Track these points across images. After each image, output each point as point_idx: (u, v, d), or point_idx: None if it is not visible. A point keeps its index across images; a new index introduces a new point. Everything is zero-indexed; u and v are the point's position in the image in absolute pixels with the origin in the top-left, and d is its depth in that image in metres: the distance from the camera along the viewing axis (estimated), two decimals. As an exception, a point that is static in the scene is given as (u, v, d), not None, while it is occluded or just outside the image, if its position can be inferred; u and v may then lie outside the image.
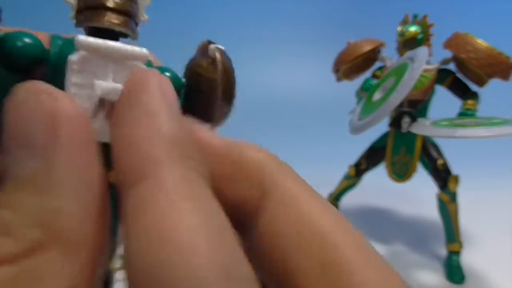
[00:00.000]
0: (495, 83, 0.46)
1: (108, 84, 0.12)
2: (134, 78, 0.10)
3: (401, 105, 0.46)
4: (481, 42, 0.44)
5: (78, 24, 0.14)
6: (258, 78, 1.16)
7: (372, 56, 0.52)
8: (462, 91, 0.48)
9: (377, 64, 0.53)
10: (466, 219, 0.48)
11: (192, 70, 0.15)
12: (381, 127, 0.49)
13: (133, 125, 0.09)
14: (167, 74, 0.15)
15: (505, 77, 0.44)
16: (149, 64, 0.14)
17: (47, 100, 0.09)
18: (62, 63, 0.12)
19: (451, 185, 0.46)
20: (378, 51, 0.52)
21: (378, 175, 0.54)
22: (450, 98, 0.49)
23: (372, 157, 0.54)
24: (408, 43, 0.48)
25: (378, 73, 0.53)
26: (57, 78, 0.12)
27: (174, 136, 0.09)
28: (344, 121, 0.47)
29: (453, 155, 0.50)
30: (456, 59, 0.47)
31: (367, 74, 0.54)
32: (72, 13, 0.14)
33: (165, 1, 1.21)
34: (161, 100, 0.09)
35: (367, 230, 0.55)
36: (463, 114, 0.45)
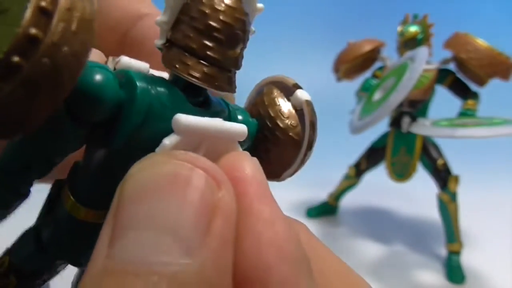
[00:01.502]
0: (495, 83, 0.46)
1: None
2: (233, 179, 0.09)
3: (401, 105, 0.46)
4: (481, 42, 0.44)
5: (165, 63, 0.11)
6: (257, 78, 1.15)
7: (372, 56, 0.52)
8: (462, 91, 0.48)
9: (377, 64, 0.53)
10: (466, 219, 0.48)
11: (268, 112, 0.13)
12: (381, 127, 0.49)
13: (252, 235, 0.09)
14: (240, 117, 0.13)
15: (505, 77, 0.44)
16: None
17: (209, 192, 0.08)
18: (140, 119, 0.10)
19: (451, 185, 0.46)
20: (378, 51, 0.52)
21: (378, 175, 0.54)
22: (450, 98, 0.49)
23: (372, 157, 0.54)
24: (408, 43, 0.48)
25: (378, 73, 0.53)
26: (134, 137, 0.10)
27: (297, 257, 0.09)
28: (344, 121, 0.47)
29: (453, 155, 0.50)
30: (456, 59, 0.47)
31: (367, 74, 0.54)
32: (159, 41, 0.12)
33: None
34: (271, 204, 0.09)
35: (367, 230, 0.55)
36: (463, 114, 0.45)
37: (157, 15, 0.17)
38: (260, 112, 0.13)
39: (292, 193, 0.67)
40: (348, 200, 0.60)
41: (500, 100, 0.69)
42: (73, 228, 0.12)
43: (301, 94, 0.13)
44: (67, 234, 0.12)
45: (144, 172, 0.08)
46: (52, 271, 0.13)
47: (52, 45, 0.08)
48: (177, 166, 0.08)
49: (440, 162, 0.48)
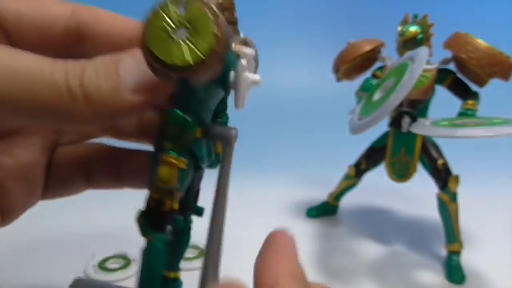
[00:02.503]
0: (495, 83, 0.46)
1: (250, 75, 0.19)
2: (278, 238, 0.18)
3: (401, 105, 0.46)
4: (481, 42, 0.44)
5: None
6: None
7: (372, 56, 0.52)
8: (462, 91, 0.48)
9: (377, 64, 0.53)
10: (466, 219, 0.48)
11: None
12: (381, 127, 0.49)
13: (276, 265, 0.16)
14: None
15: (505, 77, 0.44)
16: None
17: None
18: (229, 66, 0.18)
19: (451, 185, 0.46)
20: (378, 51, 0.52)
21: (378, 175, 0.54)
22: (450, 98, 0.49)
23: (372, 157, 0.54)
24: (408, 43, 0.48)
25: (378, 73, 0.52)
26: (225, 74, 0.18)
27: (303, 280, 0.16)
28: (344, 121, 0.47)
29: (453, 155, 0.50)
30: (456, 59, 0.46)
31: (367, 74, 0.54)
32: None
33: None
34: (293, 256, 0.17)
35: (367, 230, 0.55)
36: (463, 114, 0.45)
37: None
38: None
39: (292, 193, 0.67)
40: (348, 200, 0.60)
41: (500, 100, 0.69)
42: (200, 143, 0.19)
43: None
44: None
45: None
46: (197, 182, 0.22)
47: (225, 43, 0.16)
48: None
49: (440, 162, 0.48)
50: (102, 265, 0.43)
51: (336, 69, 0.54)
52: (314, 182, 0.70)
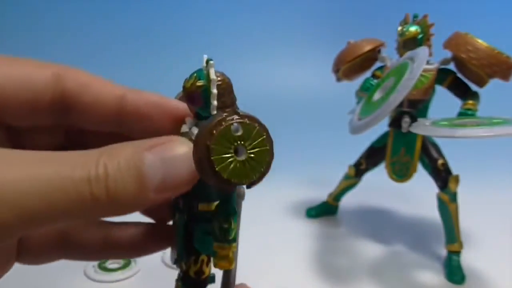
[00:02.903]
0: (495, 83, 0.46)
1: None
2: None
3: (401, 105, 0.46)
4: (481, 42, 0.44)
5: None
6: (256, 78, 1.16)
7: (372, 56, 0.52)
8: (462, 91, 0.48)
9: (377, 64, 0.53)
10: (466, 219, 0.48)
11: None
12: (381, 127, 0.49)
13: None
14: None
15: (505, 77, 0.44)
16: None
17: None
18: None
19: (451, 185, 0.46)
20: (378, 51, 0.52)
21: (378, 175, 0.54)
22: (450, 98, 0.49)
23: (372, 157, 0.54)
24: (408, 43, 0.48)
25: (378, 73, 0.52)
26: None
27: None
28: (344, 121, 0.47)
29: (453, 155, 0.50)
30: (456, 59, 0.46)
31: (367, 74, 0.54)
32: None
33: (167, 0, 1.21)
34: None
35: (367, 230, 0.55)
36: (463, 114, 0.45)
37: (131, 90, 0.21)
38: None
39: (292, 193, 0.67)
40: (348, 200, 0.60)
41: (500, 100, 0.69)
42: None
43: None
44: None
45: None
46: None
47: (273, 151, 0.16)
48: None
49: (440, 162, 0.48)
50: (102, 265, 0.43)
51: (336, 69, 0.54)
52: (314, 182, 0.70)
